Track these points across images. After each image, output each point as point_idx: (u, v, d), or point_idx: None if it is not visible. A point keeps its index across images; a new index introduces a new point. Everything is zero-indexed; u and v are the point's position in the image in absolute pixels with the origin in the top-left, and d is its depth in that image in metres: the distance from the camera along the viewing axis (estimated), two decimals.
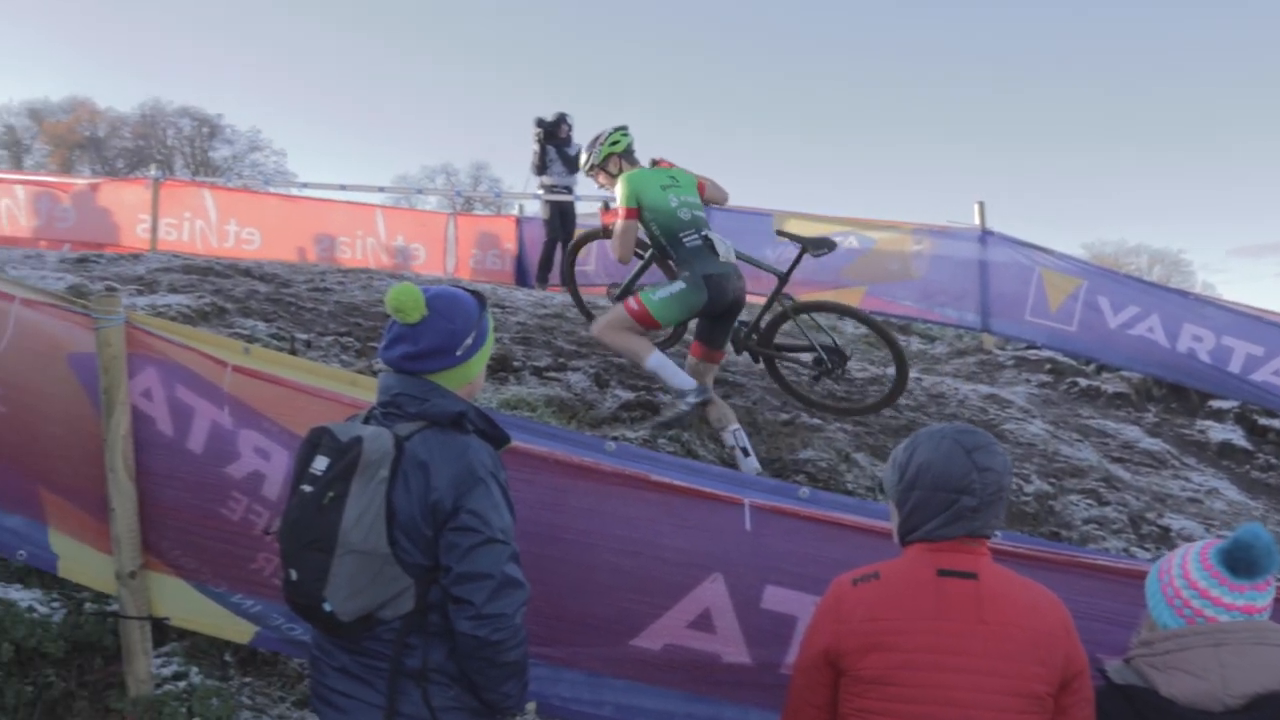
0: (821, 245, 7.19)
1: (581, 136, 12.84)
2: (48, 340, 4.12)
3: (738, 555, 3.62)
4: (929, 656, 2.56)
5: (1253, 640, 2.56)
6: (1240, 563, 2.59)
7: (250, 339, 6.25)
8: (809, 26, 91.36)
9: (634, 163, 7.03)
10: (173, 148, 55.50)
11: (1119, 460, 8.27)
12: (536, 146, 13.05)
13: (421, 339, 2.95)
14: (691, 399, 6.22)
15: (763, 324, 7.10)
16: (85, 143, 53.89)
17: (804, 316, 7.07)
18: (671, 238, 6.63)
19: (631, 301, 6.45)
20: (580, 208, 13.45)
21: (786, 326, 7.04)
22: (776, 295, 7.09)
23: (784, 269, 7.09)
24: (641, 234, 6.83)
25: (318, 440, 2.91)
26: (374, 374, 4.77)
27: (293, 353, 6.26)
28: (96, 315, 3.95)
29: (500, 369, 6.84)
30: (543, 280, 12.61)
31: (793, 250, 7.15)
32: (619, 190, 6.76)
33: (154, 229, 14.04)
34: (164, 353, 4.04)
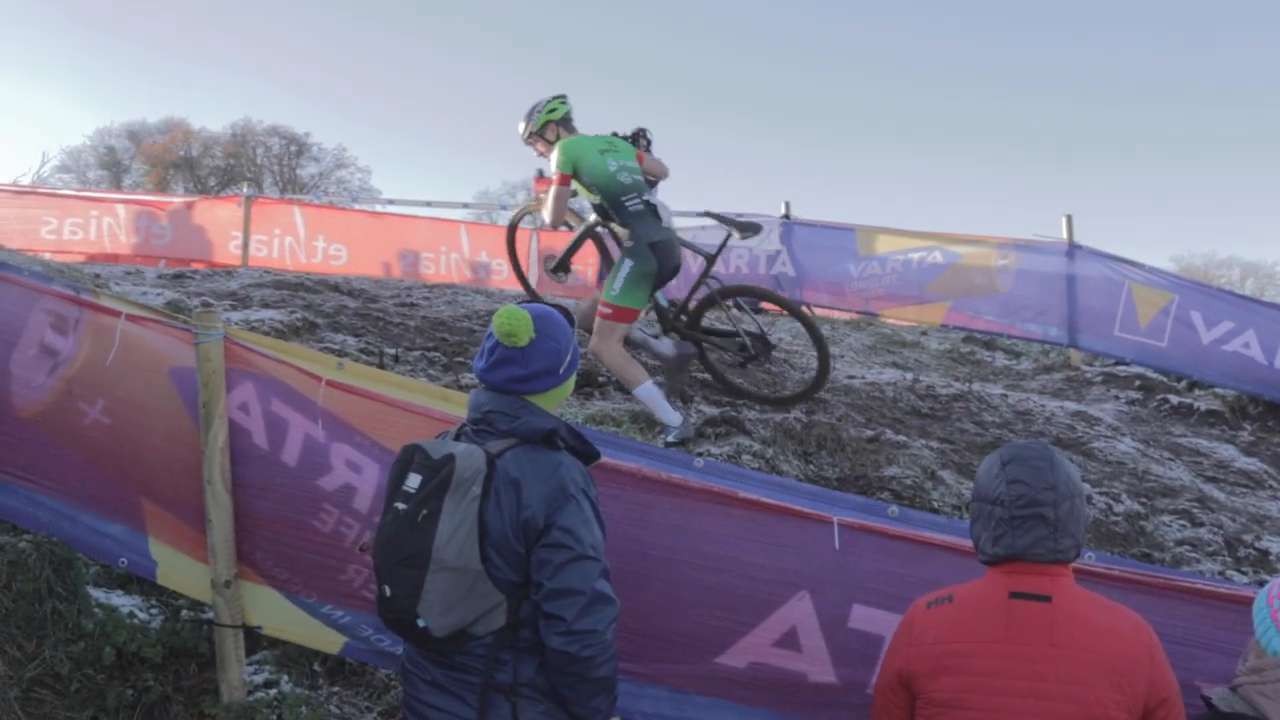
0: (749, 229, 7.30)
1: (667, 150, 12.83)
2: (151, 354, 4.24)
3: (825, 574, 3.61)
4: (999, 680, 2.55)
5: None
6: None
7: (340, 353, 6.36)
8: (898, 40, 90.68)
9: (572, 131, 7.03)
10: (262, 166, 56.63)
11: (1213, 480, 8.06)
12: None
13: (532, 362, 3.01)
14: (673, 436, 6.27)
15: (691, 305, 7.15)
16: (180, 162, 55.22)
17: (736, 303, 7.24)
18: (614, 202, 6.70)
19: (603, 308, 6.54)
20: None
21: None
22: (704, 277, 7.15)
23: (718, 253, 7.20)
24: (579, 209, 6.89)
25: (410, 458, 2.96)
26: (463, 389, 4.83)
27: (382, 367, 6.35)
28: (197, 330, 4.06)
29: (585, 384, 6.88)
30: None
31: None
32: (555, 156, 6.79)
33: (245, 245, 14.33)
34: (260, 367, 4.14)
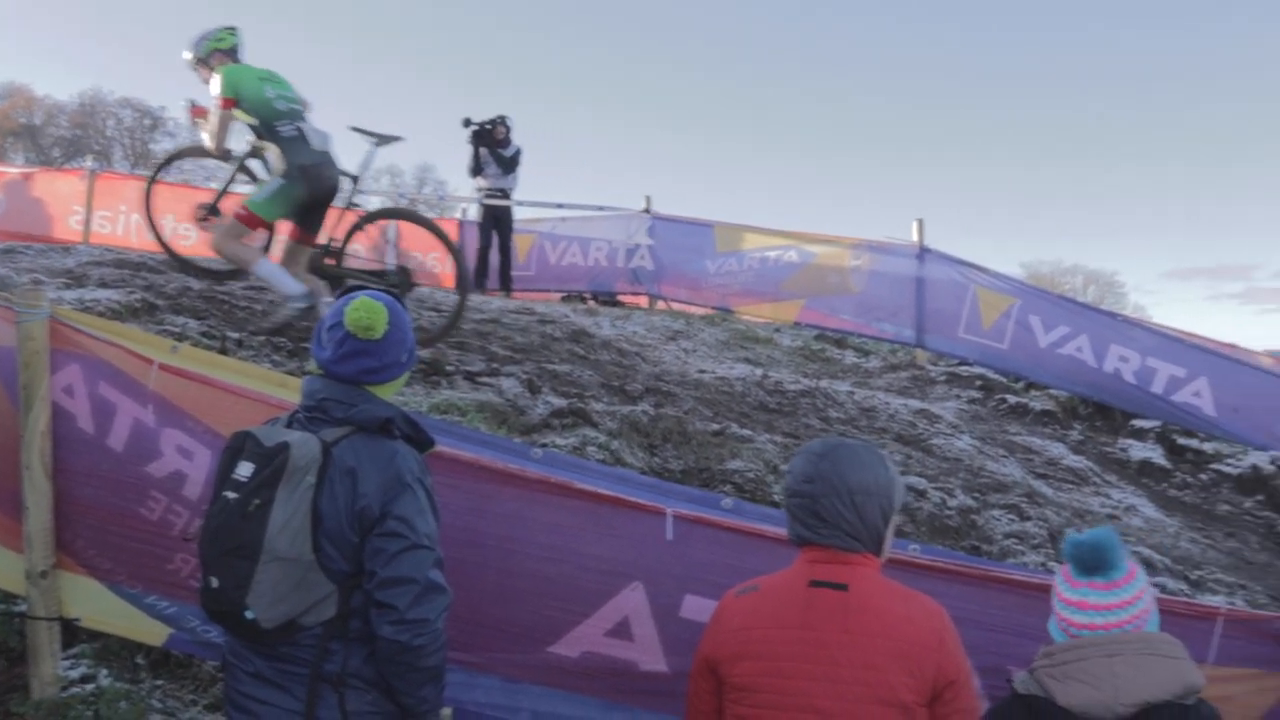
0: (386, 139, 7.70)
1: (522, 139, 12.78)
2: None
3: (658, 564, 3.65)
4: (795, 665, 2.62)
5: (1144, 651, 2.66)
6: (1085, 561, 2.73)
7: (180, 337, 6.17)
8: (759, 36, 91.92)
9: (237, 61, 7.25)
10: (112, 139, 54.60)
11: (1043, 476, 8.41)
12: (470, 148, 12.85)
13: (385, 355, 3.00)
14: (299, 304, 6.75)
15: (333, 240, 7.42)
16: (20, 130, 52.81)
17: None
18: (268, 127, 7.00)
19: (239, 209, 6.91)
20: (519, 213, 13.38)
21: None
22: (350, 199, 7.57)
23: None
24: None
25: (241, 445, 2.89)
26: (308, 375, 4.73)
27: (223, 352, 6.19)
28: (19, 309, 3.89)
29: (433, 373, 6.82)
30: (480, 284, 12.54)
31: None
32: (217, 81, 7.02)
33: (87, 221, 13.80)
34: (88, 349, 3.99)
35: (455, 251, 7.83)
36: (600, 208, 13.68)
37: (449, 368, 6.99)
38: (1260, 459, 9.98)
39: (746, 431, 6.98)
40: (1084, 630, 2.74)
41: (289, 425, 2.99)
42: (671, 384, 7.94)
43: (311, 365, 3.09)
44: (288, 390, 3.84)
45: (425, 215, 8.39)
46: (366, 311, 2.93)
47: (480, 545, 3.68)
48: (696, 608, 3.62)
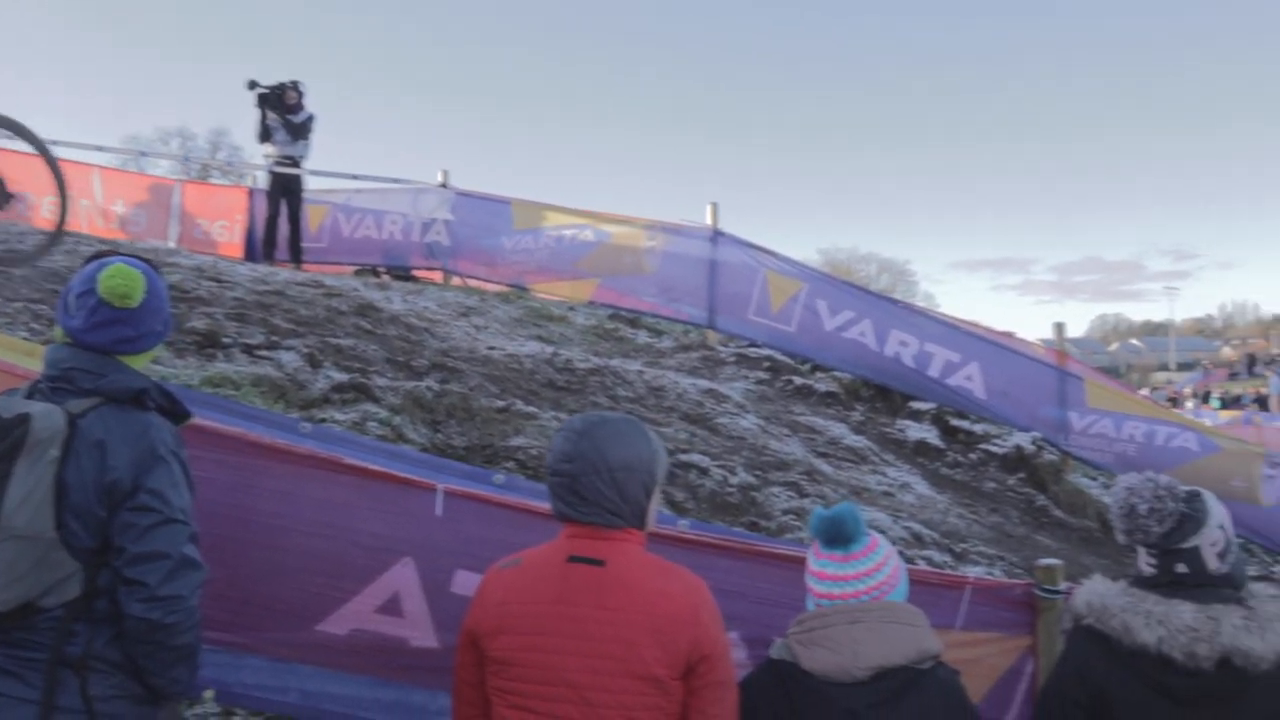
0: None
1: (325, 111, 12.40)
2: None
3: (429, 540, 3.63)
4: (551, 640, 2.64)
5: (885, 619, 2.81)
6: (826, 535, 2.89)
7: None
8: (561, 17, 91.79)
9: None
10: None
11: (823, 455, 8.69)
12: (257, 112, 12.33)
13: (142, 323, 2.88)
14: None
15: None
16: None
17: None
18: None
19: None
20: (311, 183, 12.99)
21: None
22: None
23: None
24: None
25: None
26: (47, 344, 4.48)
27: None
28: None
29: (208, 345, 6.56)
30: (268, 255, 12.12)
31: None
32: None
33: None
34: None
35: (56, 170, 7.25)
36: (396, 180, 13.41)
37: (225, 340, 6.74)
38: (1023, 439, 10.60)
39: (532, 409, 6.97)
40: (824, 600, 2.88)
41: (29, 396, 2.83)
42: (459, 360, 7.86)
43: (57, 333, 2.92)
44: (35, 360, 3.63)
45: (23, 125, 7.67)
46: (123, 279, 2.80)
47: (248, 522, 3.57)
48: (468, 583, 3.59)
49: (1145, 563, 3.11)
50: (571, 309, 12.54)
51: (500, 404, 6.93)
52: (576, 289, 12.20)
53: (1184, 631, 2.91)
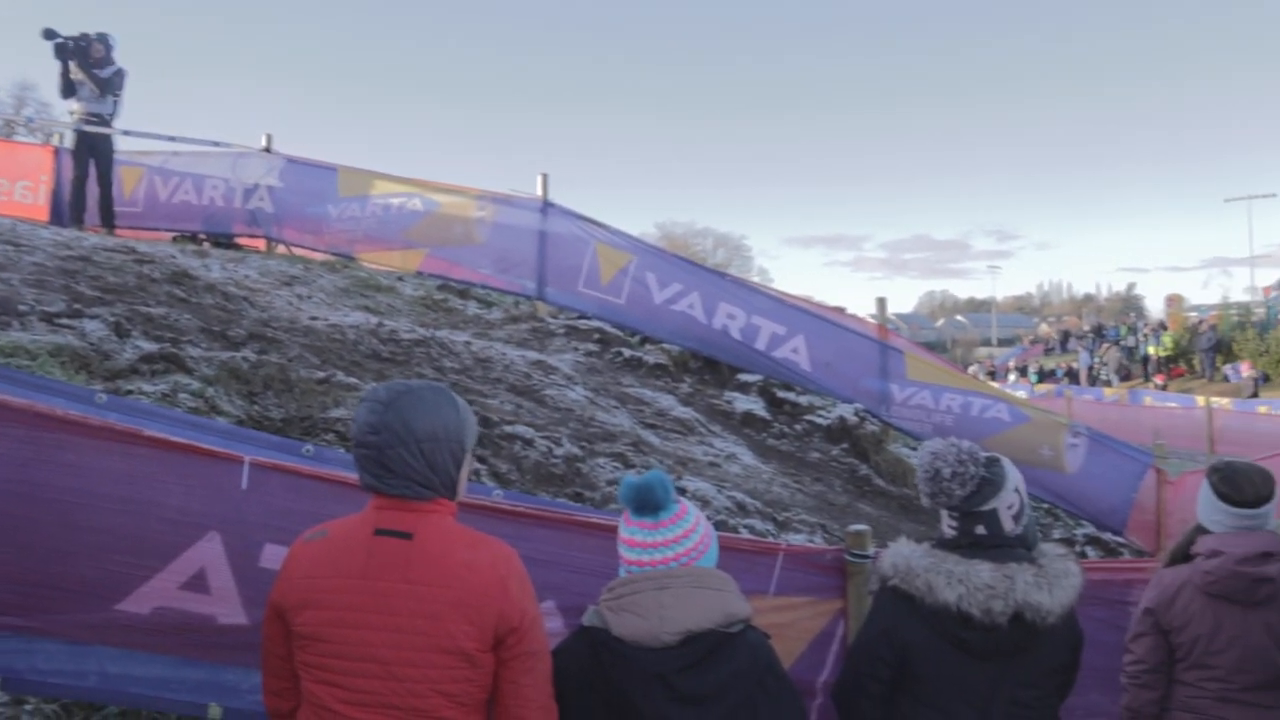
0: None
1: (135, 66, 11.76)
2: None
3: (236, 513, 3.51)
4: (357, 615, 2.59)
5: (692, 585, 2.85)
6: (635, 502, 2.91)
7: None
8: None
9: None
10: None
11: (651, 426, 8.76)
12: (59, 64, 11.51)
13: None
14: None
15: None
16: None
17: None
18: None
19: None
20: (124, 144, 12.36)
21: None
22: None
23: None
24: None
25: None
26: None
27: None
28: None
29: (2, 313, 6.19)
30: (77, 219, 11.48)
31: None
32: None
33: None
34: None
35: None
36: (216, 143, 12.87)
37: (22, 308, 6.37)
38: (846, 411, 10.86)
39: (354, 380, 6.81)
40: (635, 566, 2.90)
41: None
42: (279, 330, 7.64)
43: None
44: None
45: None
46: None
47: (39, 499, 3.39)
48: (276, 556, 3.49)
49: (947, 525, 3.29)
50: (400, 279, 12.31)
51: (321, 375, 6.75)
52: (405, 259, 11.96)
53: (982, 589, 3.11)
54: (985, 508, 3.23)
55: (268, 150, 12.52)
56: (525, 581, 2.74)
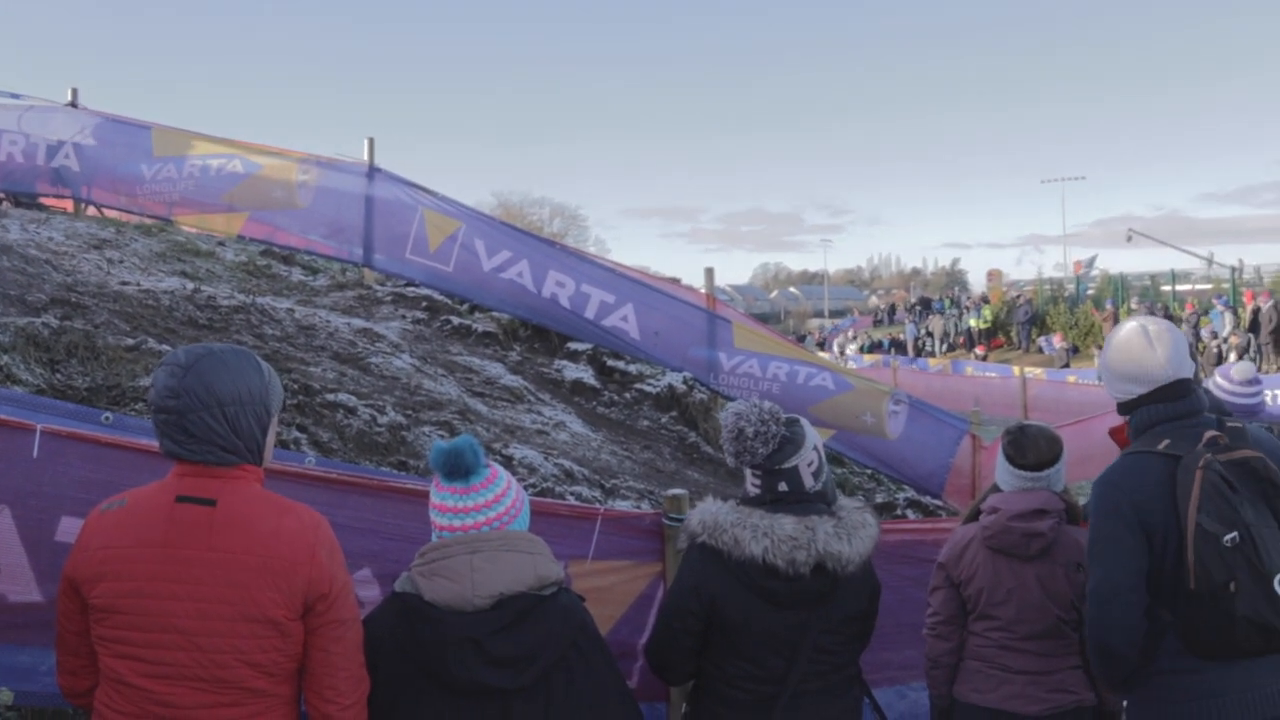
0: None
1: None
2: None
3: (28, 485, 3.32)
4: (157, 585, 2.51)
5: (503, 548, 2.86)
6: (445, 467, 2.90)
7: None
8: None
9: None
10: None
11: (479, 395, 8.69)
12: None
13: None
14: None
15: None
16: None
17: None
18: None
19: None
20: None
21: None
22: None
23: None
24: None
25: None
26: None
27: None
28: None
29: None
30: None
31: None
32: None
33: None
34: None
35: None
36: (15, 95, 12.12)
37: None
38: (675, 379, 10.99)
39: (166, 347, 6.55)
40: (446, 532, 2.89)
41: None
42: (86, 296, 7.29)
43: None
44: None
45: None
46: None
47: None
48: (73, 529, 3.32)
49: (751, 484, 3.43)
50: (221, 244, 11.90)
51: (130, 342, 6.47)
52: (225, 222, 11.48)
53: (786, 541, 3.25)
54: (787, 465, 3.36)
55: (73, 105, 11.86)
56: (335, 548, 2.70)
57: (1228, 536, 2.95)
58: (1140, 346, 3.29)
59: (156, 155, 11.58)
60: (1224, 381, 5.37)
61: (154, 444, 3.37)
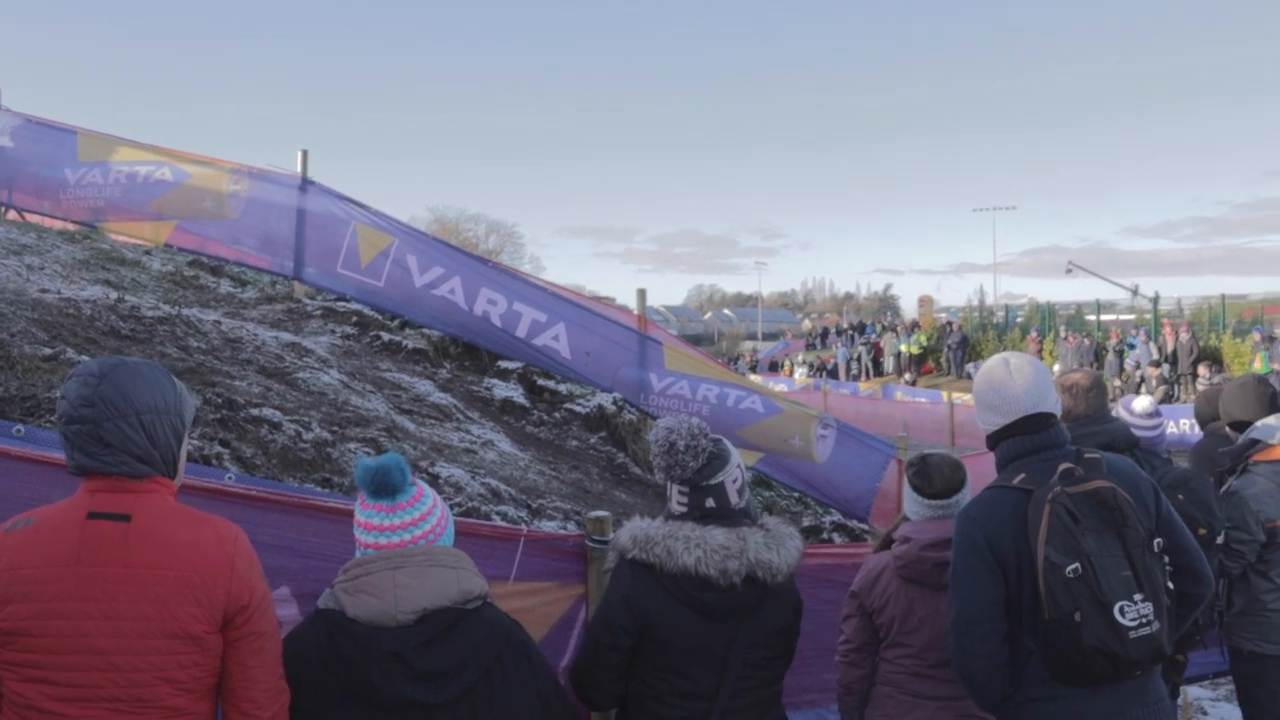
0: None
1: None
2: None
3: None
4: (70, 604, 2.46)
5: (427, 563, 2.87)
6: (371, 486, 2.90)
7: None
8: None
9: None
10: None
11: (407, 412, 8.61)
12: None
13: None
14: None
15: None
16: None
17: None
18: None
19: None
20: None
21: None
22: None
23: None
24: None
25: None
26: None
27: None
28: None
29: None
30: None
31: None
32: None
33: None
34: None
35: None
36: None
37: None
38: (605, 399, 10.99)
39: (85, 357, 6.42)
40: (370, 549, 2.88)
41: None
42: (2, 303, 7.11)
43: None
44: None
45: None
46: None
47: None
48: None
49: (677, 501, 3.47)
50: (148, 253, 11.69)
51: (48, 352, 6.33)
52: (152, 230, 11.31)
53: (718, 550, 3.31)
54: (714, 481, 3.42)
55: None
56: (253, 560, 2.68)
57: (1069, 567, 3.10)
58: (1000, 377, 3.48)
59: (82, 160, 11.38)
60: (1126, 414, 5.52)
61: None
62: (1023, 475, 3.32)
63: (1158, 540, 3.27)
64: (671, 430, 3.42)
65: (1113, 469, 3.33)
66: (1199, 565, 3.40)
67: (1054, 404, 3.46)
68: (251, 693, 2.62)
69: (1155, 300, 37.78)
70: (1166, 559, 3.31)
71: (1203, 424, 6.45)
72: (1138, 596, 3.10)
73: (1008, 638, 3.28)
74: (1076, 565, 3.09)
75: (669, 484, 3.49)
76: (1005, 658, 3.27)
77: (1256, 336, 28.76)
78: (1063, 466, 3.26)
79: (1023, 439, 3.40)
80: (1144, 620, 3.09)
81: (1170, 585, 3.28)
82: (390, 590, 2.79)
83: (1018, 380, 3.43)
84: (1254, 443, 5.17)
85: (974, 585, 3.27)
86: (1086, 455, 3.33)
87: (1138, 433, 5.24)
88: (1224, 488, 5.16)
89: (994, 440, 3.50)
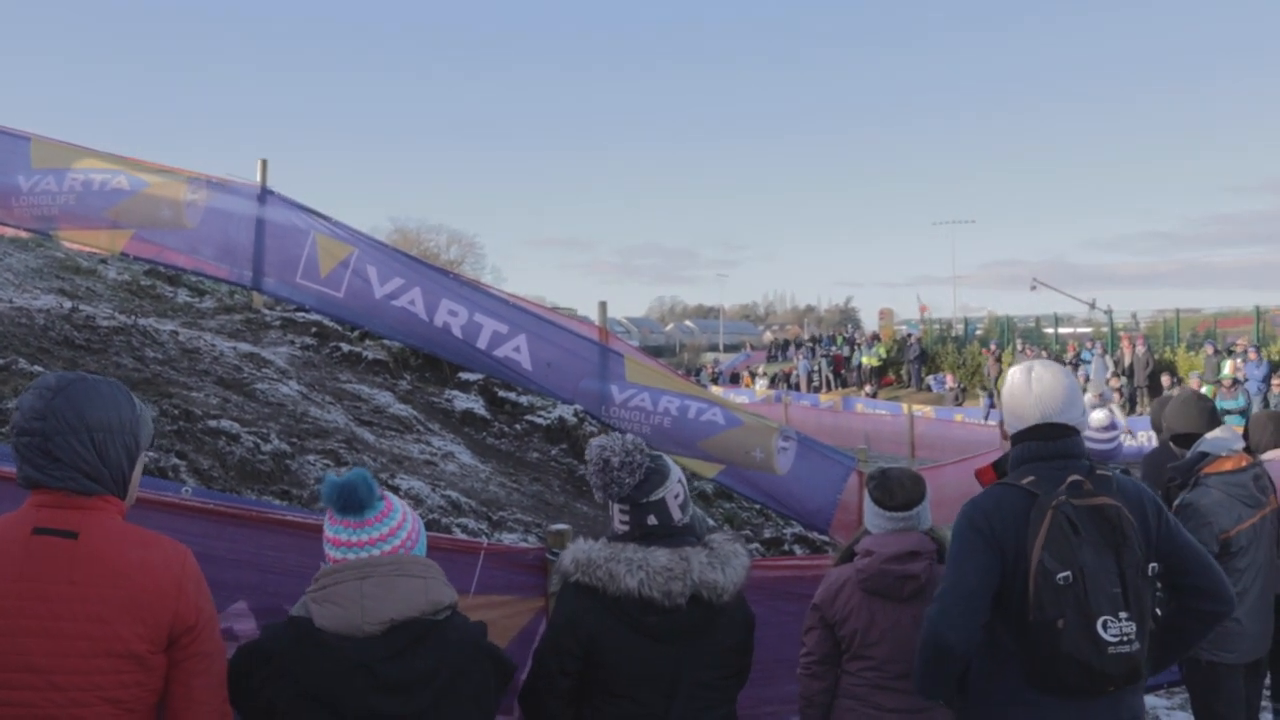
0: None
1: None
2: None
3: None
4: (14, 620, 2.42)
5: (395, 573, 2.83)
6: (338, 501, 2.86)
7: None
8: None
9: None
10: None
11: (367, 423, 8.56)
12: None
13: None
14: None
15: None
16: None
17: None
18: None
19: None
20: None
21: None
22: None
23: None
24: None
25: None
26: None
27: None
28: None
29: None
30: None
31: None
32: None
33: None
34: None
35: None
36: None
37: None
38: (566, 411, 10.97)
39: (38, 368, 6.33)
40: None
41: None
42: None
43: None
44: None
45: None
46: None
47: None
48: None
49: (619, 521, 3.45)
50: (104, 262, 11.56)
51: (1, 362, 6.24)
52: (108, 239, 11.15)
53: (661, 572, 3.27)
54: (654, 497, 3.39)
55: None
56: (201, 581, 2.64)
57: (1061, 575, 3.12)
58: (1019, 385, 3.51)
59: (36, 167, 11.18)
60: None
61: (13, 470, 3.26)
62: (1032, 478, 3.34)
63: (1153, 565, 3.29)
64: (604, 448, 3.39)
65: (1121, 489, 3.34)
66: (1215, 583, 3.39)
67: (1075, 416, 3.47)
68: (194, 714, 2.59)
69: (1110, 314, 38.24)
70: (1159, 585, 3.35)
71: (1159, 431, 6.54)
72: (1123, 615, 3.12)
73: (988, 627, 3.30)
74: (1068, 574, 3.11)
75: (610, 503, 3.47)
76: (978, 642, 3.29)
77: (1209, 350, 29.18)
78: (1072, 478, 3.28)
79: (1037, 444, 3.41)
80: (1125, 638, 3.11)
81: (1158, 611, 3.31)
82: (357, 601, 2.76)
83: (1034, 390, 3.45)
84: (1203, 455, 5.23)
85: (972, 561, 3.27)
86: (1099, 472, 3.35)
87: (1092, 445, 5.30)
88: (1176, 501, 5.21)
89: (1014, 440, 3.52)
